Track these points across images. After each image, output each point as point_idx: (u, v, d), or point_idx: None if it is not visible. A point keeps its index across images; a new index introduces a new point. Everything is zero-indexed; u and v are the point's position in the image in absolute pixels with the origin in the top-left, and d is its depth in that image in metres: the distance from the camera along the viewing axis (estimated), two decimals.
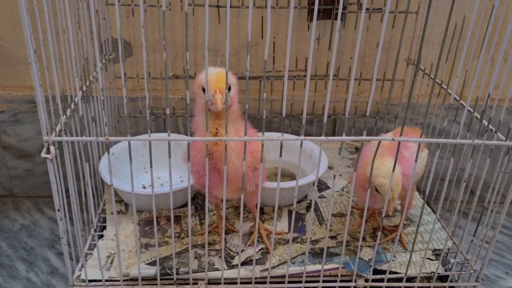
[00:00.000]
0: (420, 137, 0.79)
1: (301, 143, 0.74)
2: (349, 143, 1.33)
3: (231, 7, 1.12)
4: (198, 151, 0.78)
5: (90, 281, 0.85)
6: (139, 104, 1.23)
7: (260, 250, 0.93)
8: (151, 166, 0.73)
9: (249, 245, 0.94)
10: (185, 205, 1.06)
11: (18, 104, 1.24)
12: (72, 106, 0.83)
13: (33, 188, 1.35)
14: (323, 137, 0.74)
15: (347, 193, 1.13)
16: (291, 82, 1.26)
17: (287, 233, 0.99)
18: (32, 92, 1.24)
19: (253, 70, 1.23)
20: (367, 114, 0.73)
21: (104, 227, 1.01)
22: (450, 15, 0.70)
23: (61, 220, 0.76)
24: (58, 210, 0.75)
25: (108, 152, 0.73)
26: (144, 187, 1.10)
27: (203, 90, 0.76)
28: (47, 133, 0.70)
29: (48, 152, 0.71)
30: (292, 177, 1.16)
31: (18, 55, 1.22)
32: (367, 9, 1.17)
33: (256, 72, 1.23)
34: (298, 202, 1.08)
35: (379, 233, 0.84)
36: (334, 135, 1.34)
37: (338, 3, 1.14)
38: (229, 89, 0.75)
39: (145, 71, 0.70)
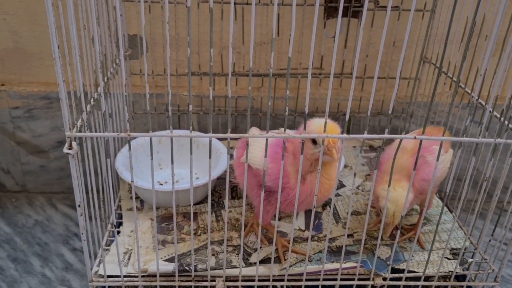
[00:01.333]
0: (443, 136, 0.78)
1: (322, 141, 0.74)
2: (365, 142, 1.32)
3: (255, 4, 1.11)
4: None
5: (109, 276, 0.85)
6: (154, 101, 1.23)
7: (277, 248, 0.93)
8: (172, 163, 0.73)
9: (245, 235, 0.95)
10: (201, 202, 1.06)
11: (33, 100, 1.24)
12: (92, 102, 0.83)
13: (47, 184, 1.36)
14: (344, 135, 0.74)
15: (362, 191, 1.13)
16: (305, 80, 1.26)
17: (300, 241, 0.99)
18: (46, 88, 1.24)
19: (268, 68, 1.23)
20: (390, 111, 0.73)
21: (120, 223, 1.01)
22: (476, 14, 0.70)
23: (81, 215, 0.76)
24: (79, 205, 0.75)
25: (129, 148, 0.73)
26: (160, 184, 1.10)
27: (312, 142, 0.77)
28: (69, 129, 0.70)
29: (70, 147, 0.71)
30: None
31: (33, 50, 1.22)
32: (383, 6, 1.17)
33: (264, 69, 1.23)
34: None
35: (397, 232, 0.84)
36: (348, 133, 1.33)
37: (356, 1, 1.14)
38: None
39: (168, 67, 0.70)
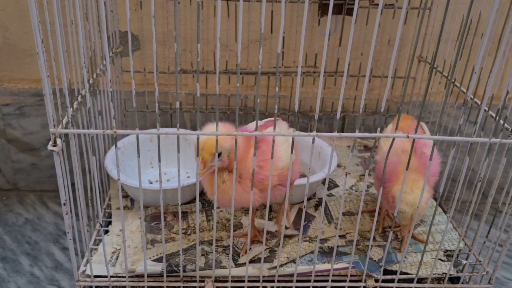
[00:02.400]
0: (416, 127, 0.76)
1: (313, 139, 0.73)
2: (358, 141, 1.31)
3: (247, 1, 1.10)
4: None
5: (96, 276, 0.83)
6: (146, 98, 1.21)
7: (267, 248, 0.91)
8: (159, 161, 0.71)
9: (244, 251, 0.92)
10: (192, 201, 1.05)
11: (24, 97, 1.22)
12: (79, 99, 0.82)
13: (38, 182, 1.34)
14: (335, 133, 0.72)
15: (355, 191, 1.11)
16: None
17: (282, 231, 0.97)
18: (38, 85, 1.22)
19: (262, 66, 1.21)
20: (382, 110, 0.72)
21: (109, 222, 1.00)
22: (470, 11, 0.68)
23: (67, 214, 0.75)
24: (64, 204, 0.74)
25: (116, 146, 0.71)
26: (151, 182, 1.09)
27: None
28: (54, 125, 0.69)
29: (54, 144, 0.69)
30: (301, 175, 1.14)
31: (23, 46, 1.20)
32: (377, 4, 1.15)
33: (264, 67, 1.21)
34: (308, 199, 1.06)
35: (390, 233, 0.82)
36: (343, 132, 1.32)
37: None
38: (220, 154, 0.74)
39: (154, 63, 0.68)
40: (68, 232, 0.76)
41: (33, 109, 1.24)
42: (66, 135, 0.70)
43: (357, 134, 0.73)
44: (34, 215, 1.27)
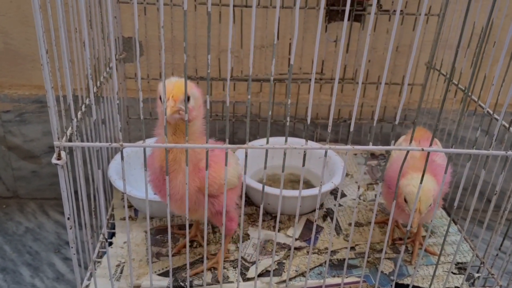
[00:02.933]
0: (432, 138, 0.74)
1: (326, 152, 0.70)
2: (365, 150, 1.28)
3: (257, 6, 1.07)
4: (153, 160, 0.76)
5: None
6: (150, 105, 1.19)
7: (276, 261, 0.89)
8: (167, 174, 0.69)
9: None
10: None
11: (25, 103, 1.20)
12: (83, 108, 0.79)
13: (38, 190, 1.32)
14: (349, 146, 0.70)
15: (364, 201, 1.09)
16: (306, 85, 1.22)
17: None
18: (38, 91, 1.20)
19: (267, 72, 1.19)
20: (397, 122, 0.70)
21: (113, 234, 0.97)
22: (489, 22, 0.66)
23: (71, 229, 0.72)
24: (68, 218, 0.71)
25: (122, 159, 0.69)
26: (155, 193, 1.06)
27: (160, 99, 0.70)
28: (58, 138, 0.66)
29: (59, 158, 0.67)
30: (306, 184, 1.12)
31: (25, 52, 1.18)
32: (386, 10, 1.13)
33: (269, 73, 1.19)
34: (314, 211, 1.04)
35: (402, 247, 0.80)
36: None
37: (357, 4, 1.11)
38: (188, 99, 0.69)
39: (163, 73, 0.66)
40: (72, 247, 0.74)
41: (34, 116, 1.22)
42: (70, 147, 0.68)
43: (371, 147, 0.71)
44: (35, 224, 1.25)
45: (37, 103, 1.20)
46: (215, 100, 1.20)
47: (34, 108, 1.21)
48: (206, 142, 0.66)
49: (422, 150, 0.72)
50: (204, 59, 1.16)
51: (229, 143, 0.66)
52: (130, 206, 1.04)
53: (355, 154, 1.27)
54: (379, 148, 0.73)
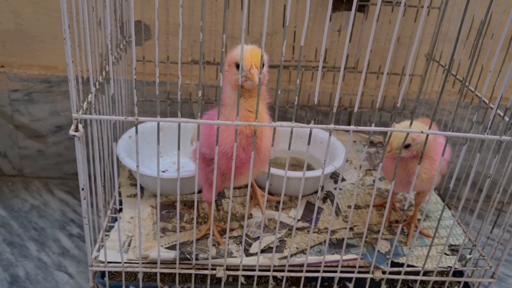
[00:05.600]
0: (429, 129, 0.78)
1: (330, 132, 0.74)
2: (364, 137, 1.33)
3: None
4: (229, 133, 0.77)
5: (109, 262, 0.84)
6: (157, 88, 1.22)
7: (278, 238, 0.93)
8: (178, 149, 0.72)
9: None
10: (201, 191, 1.06)
11: (33, 83, 1.23)
12: (97, 85, 0.82)
13: (44, 169, 1.34)
14: (352, 127, 0.74)
15: (362, 185, 1.13)
16: (309, 72, 1.26)
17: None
18: (47, 71, 1.23)
19: (272, 59, 1.22)
20: (398, 105, 0.73)
21: (119, 210, 1.01)
22: (487, 15, 0.70)
23: (85, 199, 0.75)
24: (83, 189, 0.75)
25: (136, 132, 0.72)
26: (163, 171, 1.10)
27: (236, 66, 0.75)
28: (76, 111, 0.69)
29: (76, 130, 0.70)
30: (307, 167, 1.16)
31: (34, 33, 1.20)
32: (389, 1, 1.17)
33: (275, 61, 1.22)
34: (315, 192, 1.08)
35: (399, 227, 0.84)
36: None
37: None
38: (263, 66, 0.73)
39: (179, 54, 0.69)
40: (84, 217, 0.77)
41: (41, 96, 1.24)
42: (84, 121, 0.71)
43: (373, 128, 0.74)
44: (40, 202, 1.27)
45: (45, 83, 1.23)
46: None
47: (42, 88, 1.23)
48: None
49: (422, 132, 0.76)
50: (210, 44, 1.20)
51: None
52: (135, 184, 1.08)
53: (354, 141, 1.31)
54: (380, 129, 0.76)
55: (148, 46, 1.22)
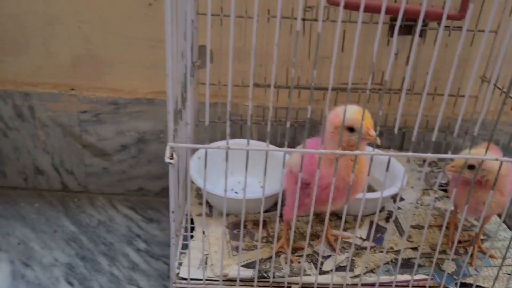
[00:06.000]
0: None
1: (389, 159, 0.77)
2: (418, 157, 1.35)
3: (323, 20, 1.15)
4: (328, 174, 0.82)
5: (192, 279, 0.89)
6: (219, 109, 1.27)
7: (346, 258, 0.96)
8: (264, 174, 0.77)
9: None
10: (268, 210, 1.10)
11: (101, 105, 1.29)
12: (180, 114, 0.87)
13: (108, 185, 1.41)
14: (409, 153, 0.77)
15: (421, 205, 1.16)
16: (365, 95, 1.30)
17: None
18: (114, 94, 1.29)
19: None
20: (456, 130, 0.76)
21: (192, 229, 1.06)
22: None
23: (174, 221, 0.81)
24: (173, 212, 0.80)
25: (227, 160, 0.77)
26: (236, 192, 1.15)
27: (348, 129, 0.81)
28: (172, 140, 0.75)
29: (171, 157, 0.75)
30: (369, 188, 1.19)
31: (103, 57, 1.27)
32: (447, 26, 1.20)
33: (333, 83, 1.26)
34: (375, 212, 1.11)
35: (470, 249, 0.87)
36: (402, 148, 1.37)
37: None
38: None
39: (229, 79, 0.74)
40: (172, 238, 0.82)
41: (108, 117, 1.31)
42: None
43: (429, 155, 0.77)
44: (106, 217, 1.34)
45: (112, 105, 1.29)
46: (281, 107, 1.28)
47: (110, 109, 1.30)
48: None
49: (496, 159, 0.79)
50: (264, 69, 1.24)
51: (288, 146, 0.75)
52: (201, 203, 1.12)
53: (408, 161, 1.34)
54: (456, 157, 0.79)
55: (211, 69, 1.27)
